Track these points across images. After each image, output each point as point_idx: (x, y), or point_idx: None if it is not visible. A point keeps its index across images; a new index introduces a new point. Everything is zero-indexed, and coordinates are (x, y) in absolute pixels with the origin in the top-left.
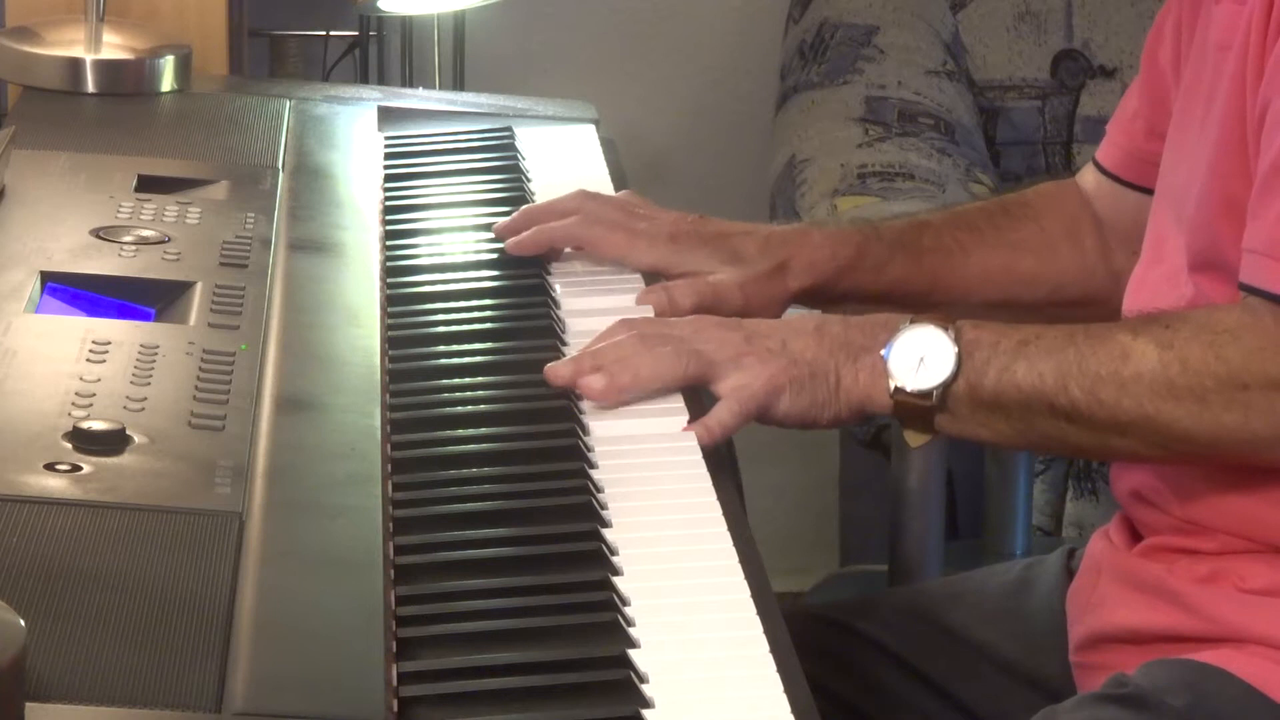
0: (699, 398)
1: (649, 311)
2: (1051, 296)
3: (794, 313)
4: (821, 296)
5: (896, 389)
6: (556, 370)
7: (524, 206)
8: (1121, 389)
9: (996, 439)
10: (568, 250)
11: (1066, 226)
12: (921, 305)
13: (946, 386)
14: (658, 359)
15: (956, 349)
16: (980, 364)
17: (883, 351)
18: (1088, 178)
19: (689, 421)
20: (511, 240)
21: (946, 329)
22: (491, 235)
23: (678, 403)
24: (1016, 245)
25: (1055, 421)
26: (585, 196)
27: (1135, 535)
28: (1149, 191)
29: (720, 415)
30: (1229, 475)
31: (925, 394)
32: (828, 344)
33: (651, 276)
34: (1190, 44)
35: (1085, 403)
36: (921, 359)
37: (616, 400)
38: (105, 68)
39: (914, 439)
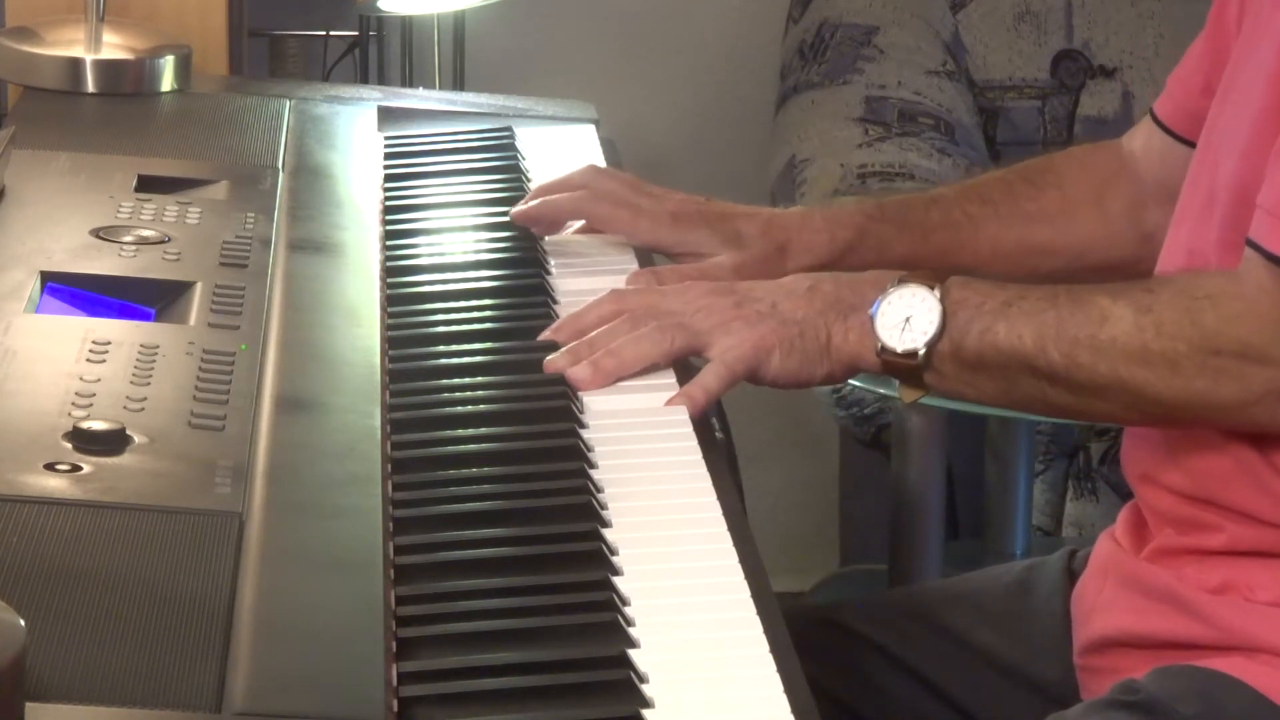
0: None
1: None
2: (1073, 264)
3: None
4: None
5: (883, 348)
6: (553, 360)
7: (538, 186)
8: (1097, 352)
9: (982, 398)
10: (571, 244)
11: (1093, 190)
12: None
13: (931, 346)
14: (640, 340)
15: (941, 308)
16: (963, 324)
17: (870, 310)
18: (1139, 134)
19: (692, 436)
20: (517, 209)
21: (933, 288)
22: (491, 235)
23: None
24: (1032, 216)
25: (1036, 383)
26: (594, 171)
27: (1141, 536)
28: None
29: (704, 379)
30: (1237, 450)
31: (910, 353)
32: (818, 303)
33: (647, 258)
34: (1253, 2)
35: (1063, 365)
36: (907, 318)
37: (606, 384)
38: (105, 68)
39: (907, 395)
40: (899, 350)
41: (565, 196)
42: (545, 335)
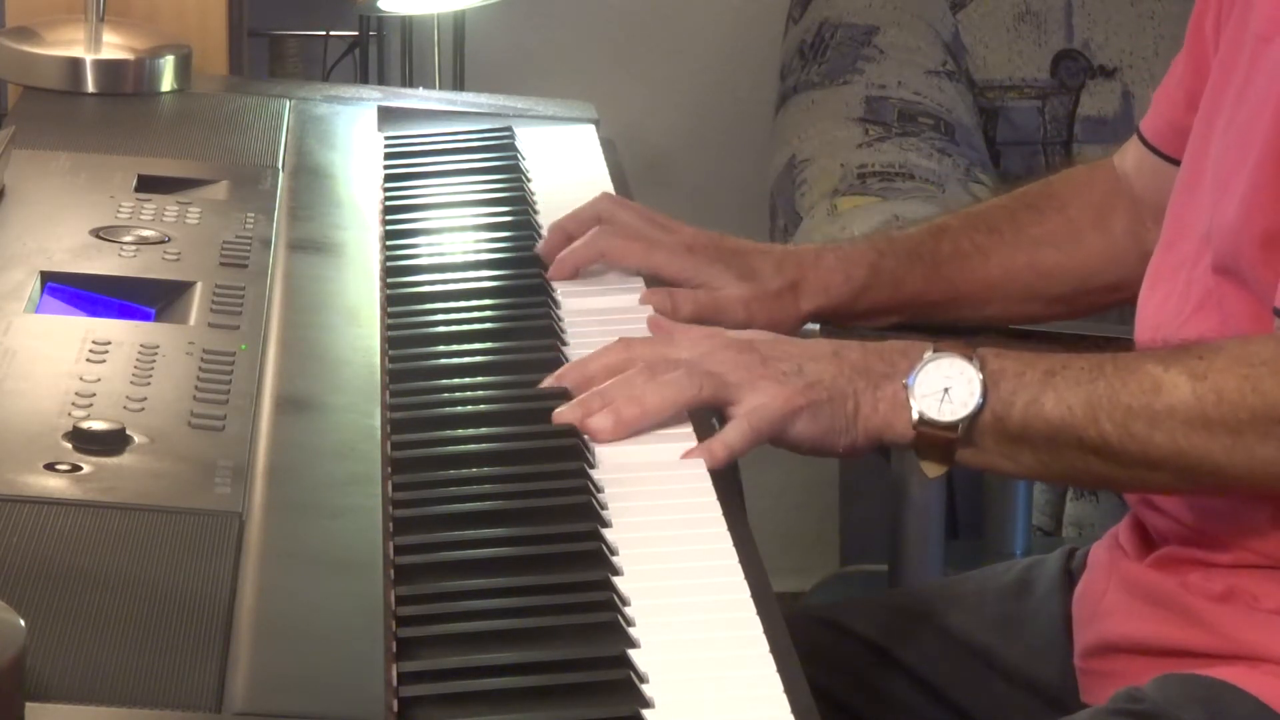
0: (704, 414)
1: (649, 310)
2: (1080, 286)
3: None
4: (839, 316)
5: (921, 419)
6: (563, 414)
7: (553, 223)
8: (1153, 422)
9: (1020, 471)
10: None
11: (1094, 212)
12: (943, 313)
13: (973, 418)
14: (665, 385)
15: (981, 378)
16: (1006, 395)
17: (906, 380)
18: (1129, 153)
19: (695, 441)
20: (551, 270)
21: (970, 359)
22: (491, 235)
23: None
24: (1039, 241)
25: (1083, 455)
26: (608, 200)
27: (1146, 543)
28: None
29: (728, 436)
30: (1239, 498)
31: (951, 426)
32: (846, 370)
33: (655, 283)
34: (1230, 16)
35: (1117, 436)
36: (946, 390)
37: (625, 436)
38: (105, 68)
39: (931, 470)
40: (941, 421)
41: (579, 245)
42: (549, 382)
